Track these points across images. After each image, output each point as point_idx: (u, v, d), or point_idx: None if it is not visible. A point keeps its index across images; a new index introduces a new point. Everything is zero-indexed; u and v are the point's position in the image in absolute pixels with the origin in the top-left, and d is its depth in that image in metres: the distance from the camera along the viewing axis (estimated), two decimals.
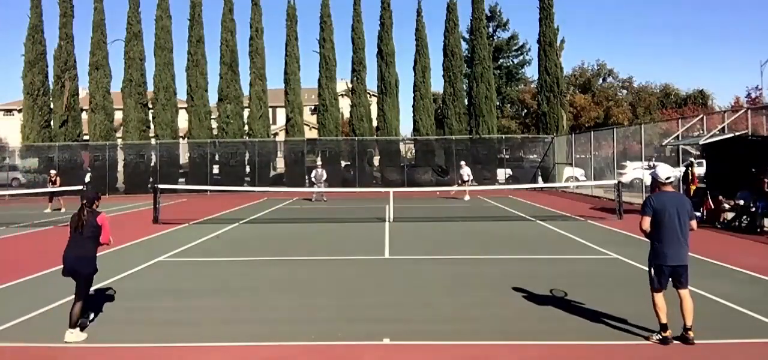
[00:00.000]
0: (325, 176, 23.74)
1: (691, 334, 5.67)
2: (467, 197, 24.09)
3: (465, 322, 6.63)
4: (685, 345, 5.66)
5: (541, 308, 7.13)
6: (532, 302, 7.43)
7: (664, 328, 5.69)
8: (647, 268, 5.93)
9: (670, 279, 5.79)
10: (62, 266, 6.27)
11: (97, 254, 6.41)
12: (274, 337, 6.09)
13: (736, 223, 13.77)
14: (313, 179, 23.54)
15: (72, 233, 6.31)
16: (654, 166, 6.13)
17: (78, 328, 6.09)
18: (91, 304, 6.77)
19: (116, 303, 7.58)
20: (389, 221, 16.01)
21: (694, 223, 5.86)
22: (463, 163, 25.52)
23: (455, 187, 24.50)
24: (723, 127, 16.86)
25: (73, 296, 6.19)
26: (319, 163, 25.05)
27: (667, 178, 5.85)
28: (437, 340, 5.95)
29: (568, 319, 6.68)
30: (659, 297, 5.76)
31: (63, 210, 20.26)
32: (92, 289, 6.83)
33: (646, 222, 5.82)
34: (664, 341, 5.66)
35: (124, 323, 6.66)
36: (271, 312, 7.13)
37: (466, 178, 24.40)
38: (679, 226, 5.69)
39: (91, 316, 6.73)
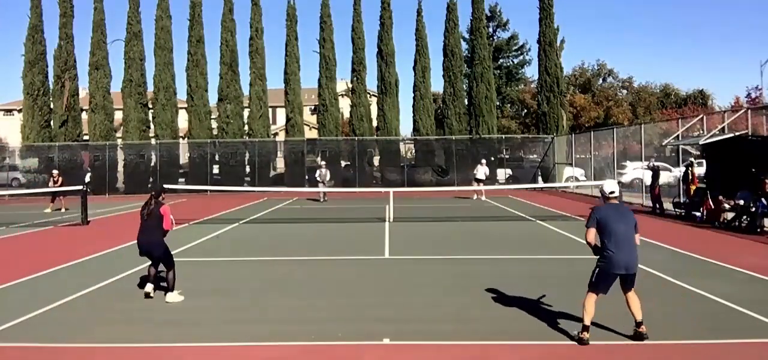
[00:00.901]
0: (328, 176, 23.58)
1: (643, 328, 5.79)
2: (480, 197, 23.96)
3: (465, 322, 6.63)
4: (641, 341, 5.72)
5: (541, 308, 7.13)
6: (532, 302, 7.42)
7: (586, 328, 5.76)
8: (593, 270, 5.95)
9: (620, 284, 5.89)
10: (138, 248, 7.71)
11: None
12: (274, 337, 6.09)
13: (736, 223, 13.77)
14: (317, 179, 23.31)
15: (142, 221, 7.65)
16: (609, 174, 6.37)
17: (175, 292, 7.57)
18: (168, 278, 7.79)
19: (116, 303, 7.58)
20: (389, 221, 16.01)
21: (637, 238, 5.94)
22: (483, 161, 25.21)
23: (479, 187, 23.84)
24: (723, 127, 16.86)
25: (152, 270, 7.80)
26: (322, 163, 24.80)
27: (611, 192, 6.08)
28: (437, 340, 5.95)
29: (568, 319, 6.67)
30: (593, 300, 5.84)
31: (63, 210, 20.24)
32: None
33: (591, 234, 5.95)
34: (581, 341, 5.72)
35: (124, 323, 6.66)
36: (271, 312, 7.14)
37: (480, 176, 24.13)
38: (626, 236, 5.81)
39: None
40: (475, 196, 24.13)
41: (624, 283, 5.89)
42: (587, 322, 5.76)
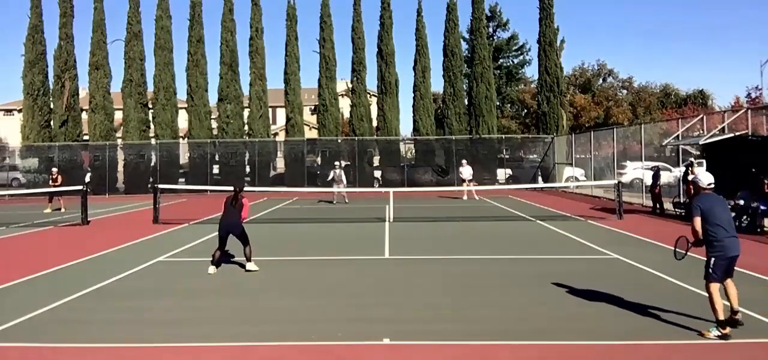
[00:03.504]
0: (344, 177, 23.09)
1: (739, 316, 5.98)
2: (465, 197, 24.23)
3: (465, 322, 6.63)
4: (735, 328, 5.90)
5: (541, 308, 7.13)
6: (532, 302, 7.43)
7: (722, 324, 5.82)
8: (706, 262, 6.06)
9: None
10: (220, 228, 9.47)
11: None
12: (274, 337, 6.09)
13: (736, 223, 13.72)
14: (333, 179, 22.73)
15: (226, 208, 9.55)
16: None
17: (252, 262, 9.46)
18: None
19: (116, 303, 7.58)
20: (389, 221, 16.01)
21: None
22: (464, 162, 25.54)
23: (465, 188, 24.25)
24: (723, 127, 16.85)
25: (218, 250, 9.54)
26: (337, 163, 24.14)
27: (709, 184, 6.27)
28: (437, 340, 5.95)
29: (568, 319, 6.68)
30: (717, 290, 5.93)
31: (63, 210, 20.21)
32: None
33: (698, 223, 6.10)
34: (724, 338, 5.79)
35: (124, 323, 6.66)
36: (271, 312, 7.14)
37: (465, 177, 24.43)
38: (731, 221, 6.09)
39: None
40: (465, 197, 24.37)
41: (730, 270, 6.06)
42: (722, 316, 5.81)
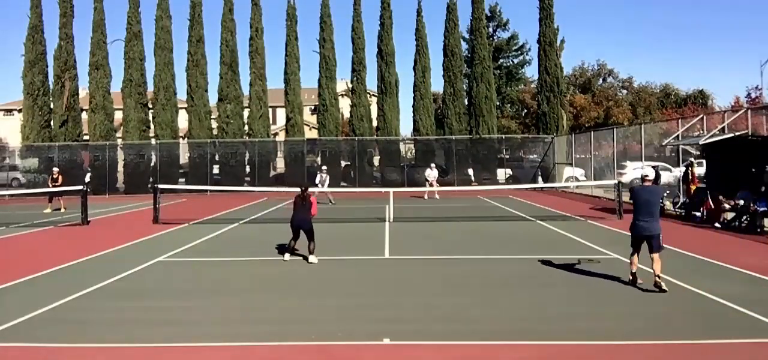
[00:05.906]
0: (328, 180, 23.24)
1: (657, 280, 7.73)
2: (430, 197, 24.64)
3: (465, 322, 6.63)
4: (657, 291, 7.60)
5: (541, 308, 7.13)
6: (532, 302, 7.43)
7: (632, 274, 8.20)
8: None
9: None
10: (291, 223, 10.63)
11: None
12: (274, 337, 6.09)
13: (736, 223, 13.76)
14: (317, 183, 22.70)
15: (296, 206, 10.70)
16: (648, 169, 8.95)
17: (314, 255, 10.34)
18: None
19: (116, 303, 7.58)
20: (389, 221, 16.01)
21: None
22: (432, 165, 25.91)
23: (428, 188, 24.81)
24: (723, 127, 16.85)
25: (289, 241, 10.91)
26: (324, 167, 24.09)
27: (645, 176, 8.37)
28: (437, 340, 5.95)
29: (568, 318, 6.68)
30: (634, 257, 8.20)
31: (63, 210, 20.20)
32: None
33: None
34: (632, 281, 8.13)
35: (124, 323, 6.66)
36: (271, 312, 7.14)
37: (430, 179, 24.90)
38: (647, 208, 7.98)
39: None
40: (426, 196, 24.75)
41: (649, 246, 7.83)
42: (631, 270, 8.20)
